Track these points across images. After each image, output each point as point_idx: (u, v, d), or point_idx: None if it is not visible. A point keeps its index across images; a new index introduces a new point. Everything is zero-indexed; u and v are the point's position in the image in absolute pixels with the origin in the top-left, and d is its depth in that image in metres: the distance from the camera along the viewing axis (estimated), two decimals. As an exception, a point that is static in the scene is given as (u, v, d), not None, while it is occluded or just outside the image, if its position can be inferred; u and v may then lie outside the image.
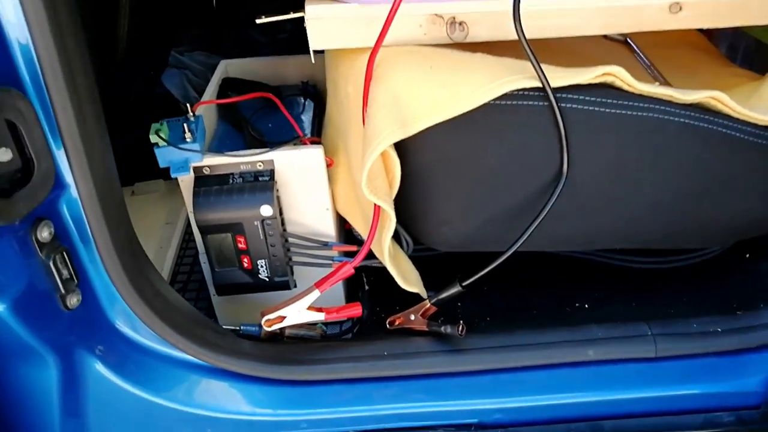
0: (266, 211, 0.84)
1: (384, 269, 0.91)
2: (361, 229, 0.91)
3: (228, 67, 1.17)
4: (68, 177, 0.64)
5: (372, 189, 0.74)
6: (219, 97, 1.07)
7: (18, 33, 0.55)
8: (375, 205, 0.78)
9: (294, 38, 1.63)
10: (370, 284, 1.02)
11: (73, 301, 0.67)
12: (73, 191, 0.65)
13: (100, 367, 0.73)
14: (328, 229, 0.93)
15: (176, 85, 1.46)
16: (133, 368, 0.75)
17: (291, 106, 1.08)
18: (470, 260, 0.94)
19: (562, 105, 0.71)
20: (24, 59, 0.57)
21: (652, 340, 0.77)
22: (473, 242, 0.85)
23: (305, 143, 0.88)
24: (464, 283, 0.82)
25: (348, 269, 0.79)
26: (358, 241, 0.98)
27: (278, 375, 0.77)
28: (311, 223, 0.92)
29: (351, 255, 0.92)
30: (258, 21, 0.79)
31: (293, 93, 1.11)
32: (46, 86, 0.58)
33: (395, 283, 0.88)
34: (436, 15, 0.75)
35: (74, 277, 0.68)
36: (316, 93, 1.12)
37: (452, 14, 0.75)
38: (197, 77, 1.47)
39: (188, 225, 1.26)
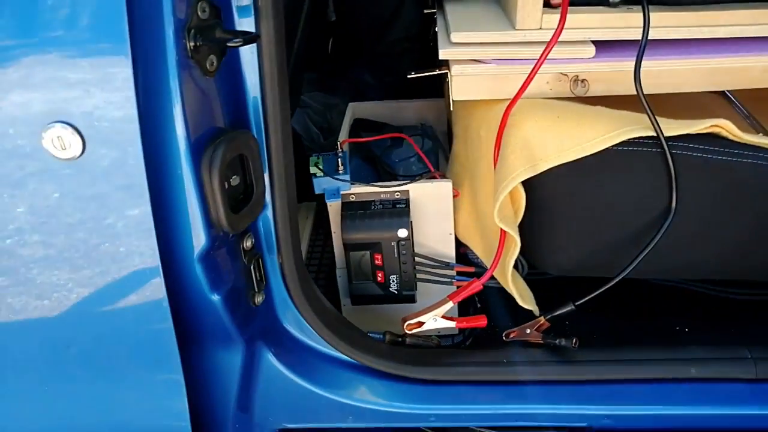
0: (402, 233, 0.99)
1: (497, 290, 1.04)
2: (480, 252, 1.05)
3: (354, 110, 1.35)
4: (268, 198, 0.81)
5: (501, 217, 0.88)
6: (351, 136, 1.24)
7: (253, 90, 0.73)
8: (501, 231, 0.91)
9: (399, 87, 1.82)
10: (482, 302, 1.15)
11: (259, 299, 0.83)
12: (269, 210, 0.82)
13: (271, 358, 0.89)
14: (449, 251, 1.06)
15: (299, 122, 1.66)
16: (295, 360, 0.91)
17: (410, 148, 1.24)
18: (577, 285, 1.06)
19: (674, 152, 0.83)
20: (253, 108, 0.74)
21: (752, 363, 0.86)
22: (584, 268, 0.97)
23: (436, 177, 1.03)
24: (577, 303, 0.93)
25: (477, 285, 0.92)
26: (473, 263, 1.11)
27: (414, 374, 0.91)
28: (436, 245, 1.06)
29: (467, 275, 1.06)
30: (409, 76, 0.95)
31: (413, 133, 1.28)
32: (266, 128, 0.75)
33: (502, 302, 1.01)
34: (561, 73, 0.89)
35: (263, 280, 0.84)
36: (432, 134, 1.28)
37: (576, 73, 0.89)
38: (317, 115, 1.67)
39: (310, 244, 1.43)
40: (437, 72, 0.94)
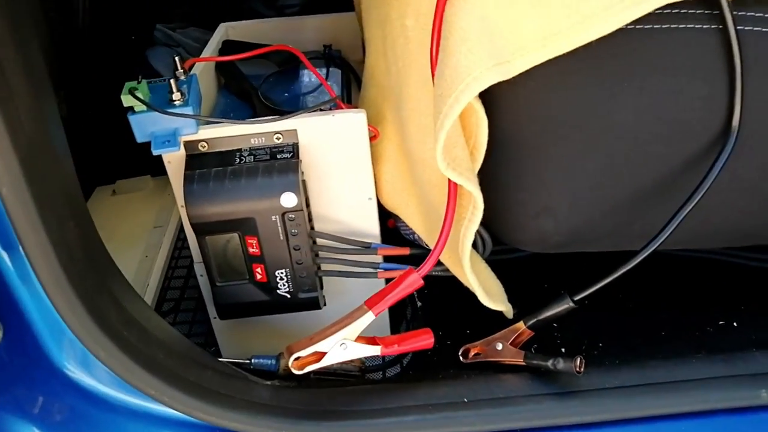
0: (289, 200, 0.60)
1: (447, 279, 0.67)
2: (417, 224, 0.67)
3: (229, 31, 0.93)
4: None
5: (450, 161, 0.50)
6: (221, 63, 0.83)
7: None
8: (451, 185, 0.54)
9: (305, 13, 1.40)
10: (422, 299, 0.77)
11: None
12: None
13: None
14: (370, 227, 0.68)
15: (166, 64, 1.22)
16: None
17: (306, 80, 0.85)
18: (563, 266, 0.70)
19: (741, 27, 0.48)
20: None
21: None
22: (581, 239, 0.61)
23: (341, 107, 0.64)
24: (577, 298, 0.57)
25: (415, 280, 0.54)
26: (407, 242, 0.73)
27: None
28: (347, 218, 0.67)
29: (398, 261, 0.68)
30: None
31: (313, 59, 0.88)
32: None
33: (457, 300, 0.64)
34: None
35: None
36: (341, 60, 0.89)
37: None
38: (191, 56, 1.24)
39: (182, 228, 1.02)
40: None
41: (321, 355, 0.52)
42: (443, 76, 0.49)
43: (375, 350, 0.53)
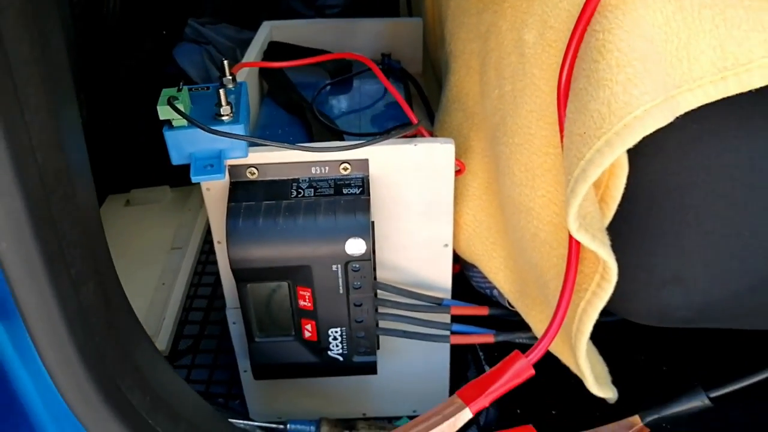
0: (356, 247, 0.48)
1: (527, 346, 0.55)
2: (504, 281, 0.55)
3: (273, 31, 0.82)
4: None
5: (581, 220, 0.39)
6: (264, 69, 0.72)
7: None
8: (573, 247, 0.42)
9: (348, 15, 1.29)
10: (491, 362, 0.66)
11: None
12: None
13: None
14: (442, 278, 0.56)
15: (194, 63, 1.11)
16: None
17: (367, 89, 0.73)
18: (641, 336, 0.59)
19: None
20: None
21: None
22: (714, 316, 0.49)
23: (423, 134, 0.52)
24: (714, 395, 0.45)
25: (523, 369, 0.42)
26: (478, 295, 0.62)
27: None
28: (416, 266, 0.56)
29: (470, 321, 0.56)
30: None
31: (363, 72, 0.76)
32: None
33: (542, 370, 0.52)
34: None
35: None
36: (403, 73, 0.77)
37: None
38: (222, 55, 1.12)
39: (203, 250, 0.90)
40: None
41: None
42: (586, 111, 0.37)
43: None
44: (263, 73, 0.71)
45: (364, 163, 0.50)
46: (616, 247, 0.46)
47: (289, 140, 0.61)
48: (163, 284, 0.80)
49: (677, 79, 0.37)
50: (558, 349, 0.49)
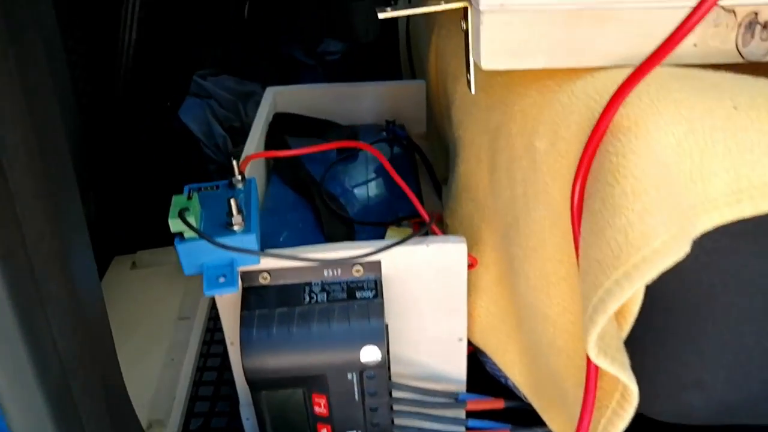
0: (370, 355, 0.48)
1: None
2: (518, 375, 0.54)
3: (277, 98, 0.82)
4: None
5: (601, 343, 0.38)
6: (269, 139, 0.71)
7: None
8: (591, 368, 0.41)
9: (348, 62, 1.30)
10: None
11: None
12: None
13: None
14: (456, 371, 0.56)
15: (196, 118, 1.11)
16: None
17: (371, 159, 0.73)
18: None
19: None
20: None
21: None
22: (733, 414, 0.48)
23: (435, 232, 0.52)
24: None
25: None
26: (494, 382, 0.61)
27: None
28: (430, 360, 0.55)
29: (488, 415, 0.56)
30: (381, 15, 0.42)
31: (374, 139, 0.76)
32: None
33: None
34: (724, 9, 0.40)
35: None
36: (408, 141, 0.77)
37: (754, 8, 0.40)
38: (224, 109, 1.12)
39: (212, 317, 0.89)
40: (444, 7, 0.42)
41: None
42: (603, 237, 0.37)
43: None
44: (270, 146, 0.71)
45: (377, 264, 0.50)
46: (636, 351, 0.45)
47: (298, 227, 0.61)
48: (173, 360, 0.80)
49: (692, 199, 0.36)
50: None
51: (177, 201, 0.48)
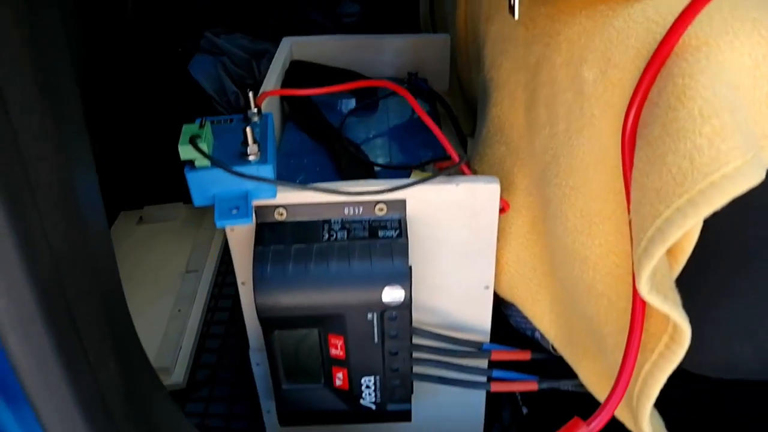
0: (393, 295, 0.45)
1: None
2: (548, 326, 0.51)
3: (294, 48, 0.78)
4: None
5: (653, 280, 0.35)
6: (286, 87, 0.68)
7: None
8: (637, 306, 0.38)
9: (366, 25, 1.25)
10: (529, 403, 0.62)
11: None
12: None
13: None
14: (481, 321, 0.53)
15: (208, 75, 1.07)
16: None
17: (393, 110, 0.70)
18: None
19: None
20: None
21: None
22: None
23: (465, 172, 0.48)
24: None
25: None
26: (518, 336, 0.58)
27: None
28: (454, 309, 0.52)
29: (513, 367, 0.53)
30: None
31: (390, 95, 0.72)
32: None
33: (575, 409, 0.48)
34: None
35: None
36: (431, 93, 0.73)
37: None
38: (237, 67, 1.09)
39: (221, 273, 0.87)
40: None
41: None
42: (663, 164, 0.34)
43: None
44: (286, 95, 0.67)
45: (401, 203, 0.47)
46: (682, 297, 0.42)
47: (316, 171, 0.58)
48: (179, 311, 0.77)
49: (766, 128, 0.33)
50: (625, 418, 0.45)
51: (188, 129, 0.45)
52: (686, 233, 0.36)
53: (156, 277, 0.84)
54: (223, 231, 0.98)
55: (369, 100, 0.69)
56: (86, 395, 0.26)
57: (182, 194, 1.04)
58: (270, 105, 0.62)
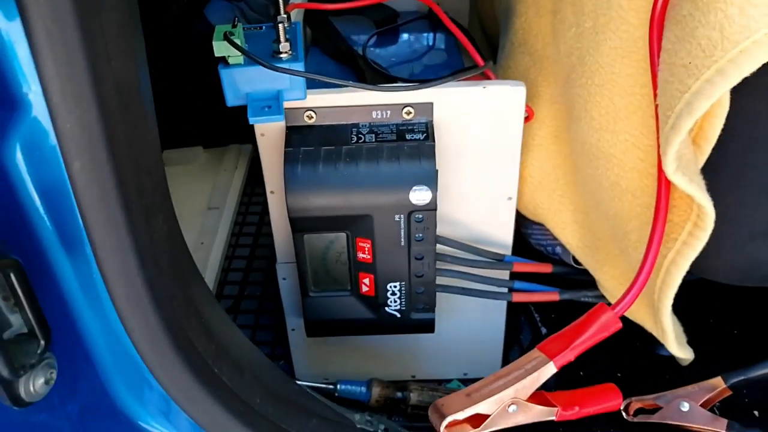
0: (421, 196, 0.46)
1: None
2: (570, 235, 0.52)
3: (314, -20, 0.78)
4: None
5: (678, 162, 0.36)
6: (309, 13, 0.68)
7: None
8: (662, 193, 0.39)
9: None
10: (547, 324, 0.63)
11: (37, 384, 0.29)
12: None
13: None
14: (503, 234, 0.54)
15: (226, 21, 1.07)
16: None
17: (415, 39, 0.70)
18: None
19: None
20: None
21: None
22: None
23: (490, 77, 0.49)
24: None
25: (610, 321, 0.39)
26: (538, 255, 0.59)
27: None
28: (476, 220, 0.53)
29: (531, 280, 0.54)
30: None
31: (414, 20, 0.73)
32: None
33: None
34: None
35: (37, 331, 0.29)
36: (452, 22, 0.73)
37: None
38: (256, 13, 1.09)
39: (241, 212, 0.88)
40: None
41: (481, 419, 0.38)
42: (692, 39, 0.34)
43: (550, 413, 0.39)
44: (308, 20, 0.68)
45: (429, 106, 0.47)
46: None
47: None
48: (202, 244, 0.78)
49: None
50: (645, 316, 0.46)
51: (220, 28, 0.45)
52: (709, 120, 0.37)
53: (179, 214, 0.85)
54: (243, 170, 0.97)
55: (390, 26, 0.69)
56: (141, 238, 0.27)
57: (201, 138, 1.05)
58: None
